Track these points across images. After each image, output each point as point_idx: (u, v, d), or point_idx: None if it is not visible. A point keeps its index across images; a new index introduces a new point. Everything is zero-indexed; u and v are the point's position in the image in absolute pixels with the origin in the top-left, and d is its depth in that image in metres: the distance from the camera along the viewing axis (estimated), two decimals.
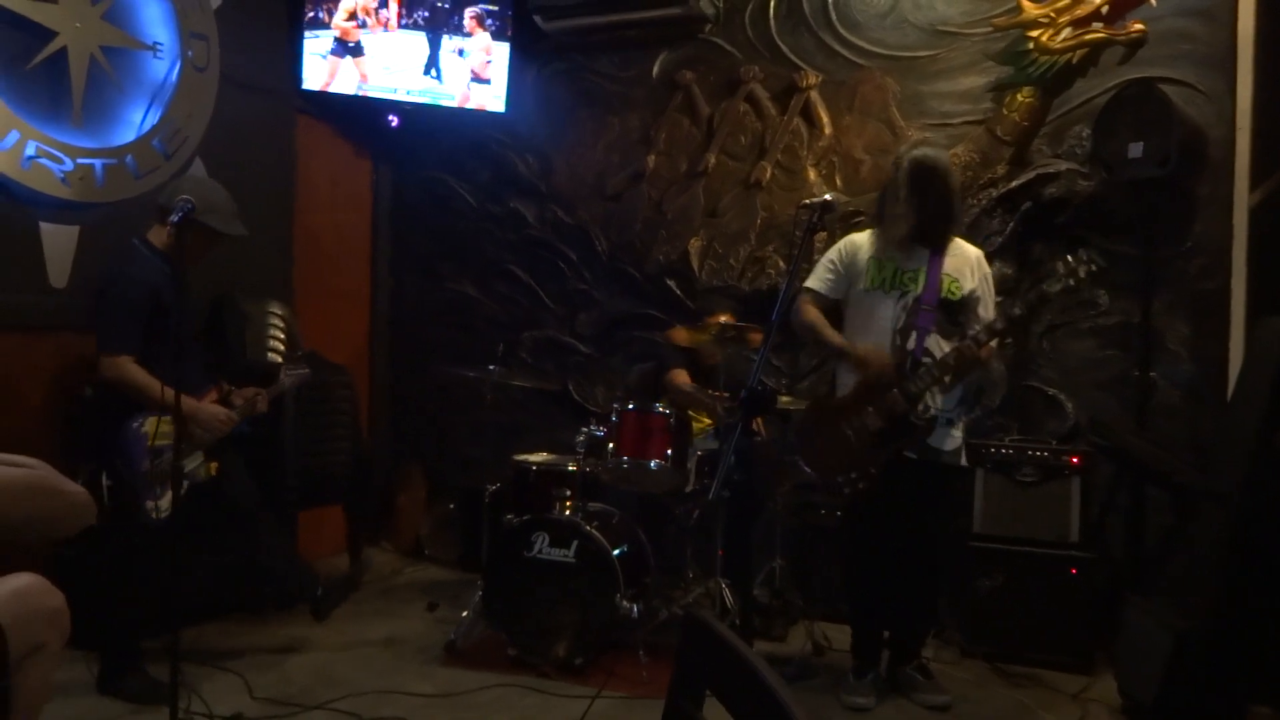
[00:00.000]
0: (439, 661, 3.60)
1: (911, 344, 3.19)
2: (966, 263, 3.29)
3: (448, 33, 4.87)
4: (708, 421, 4.09)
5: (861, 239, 3.38)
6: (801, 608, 4.00)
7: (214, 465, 3.31)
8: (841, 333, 3.35)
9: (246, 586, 3.99)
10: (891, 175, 3.29)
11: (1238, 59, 3.80)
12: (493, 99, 4.97)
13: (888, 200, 3.28)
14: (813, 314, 3.36)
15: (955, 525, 3.59)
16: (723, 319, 4.16)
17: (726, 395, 3.98)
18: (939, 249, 3.24)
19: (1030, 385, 4.15)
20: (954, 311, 3.25)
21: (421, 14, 4.83)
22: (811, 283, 3.39)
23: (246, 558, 3.58)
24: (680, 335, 4.14)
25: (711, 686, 1.17)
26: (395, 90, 4.88)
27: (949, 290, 3.22)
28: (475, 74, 4.92)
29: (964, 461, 3.42)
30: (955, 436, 3.29)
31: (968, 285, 3.26)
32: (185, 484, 3.12)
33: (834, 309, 3.42)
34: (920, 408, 3.15)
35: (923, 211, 3.17)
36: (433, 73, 4.89)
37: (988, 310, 3.29)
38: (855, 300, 3.34)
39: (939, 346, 3.19)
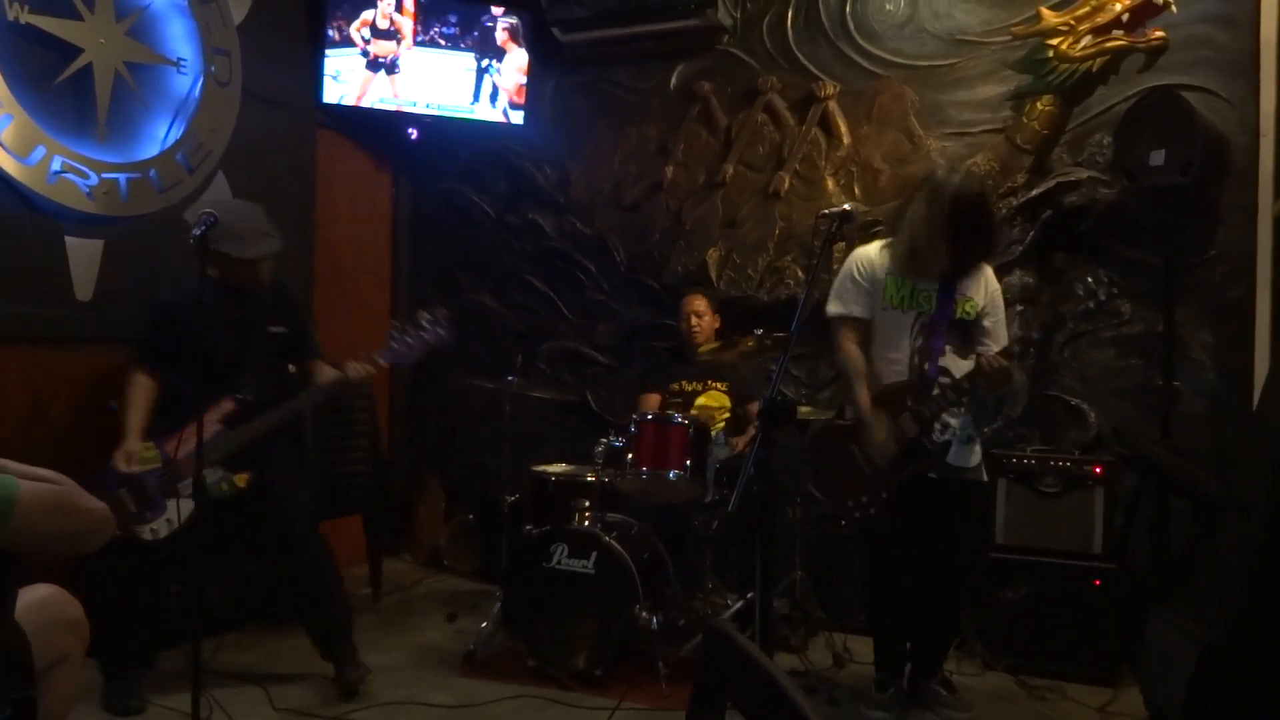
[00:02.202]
0: (458, 672, 3.60)
1: (929, 364, 3.12)
2: (979, 280, 3.21)
3: (481, 52, 4.91)
4: (719, 425, 4.11)
5: (873, 252, 3.25)
6: (822, 619, 3.98)
7: (243, 478, 3.19)
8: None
9: (268, 597, 4.03)
10: (925, 201, 3.11)
11: (1260, 65, 3.77)
12: (511, 111, 5.00)
13: (917, 225, 3.11)
14: (855, 358, 3.20)
15: (976, 539, 3.52)
16: (699, 304, 4.23)
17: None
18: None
19: (1052, 395, 4.12)
20: (967, 330, 3.18)
21: (446, 31, 4.86)
22: (848, 308, 3.22)
23: (286, 575, 3.44)
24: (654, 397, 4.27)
25: (733, 699, 1.17)
26: (415, 103, 4.92)
27: (964, 310, 3.15)
28: (505, 92, 4.96)
29: (985, 477, 3.34)
30: (976, 453, 3.24)
31: (980, 303, 3.19)
32: (191, 502, 3.09)
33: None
34: (934, 432, 3.08)
35: (962, 247, 3.06)
36: (477, 94, 4.92)
37: (997, 327, 3.23)
38: (876, 318, 3.22)
39: (954, 365, 3.13)
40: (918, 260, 3.11)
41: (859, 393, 3.16)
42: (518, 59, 4.94)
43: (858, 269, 3.23)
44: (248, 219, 3.30)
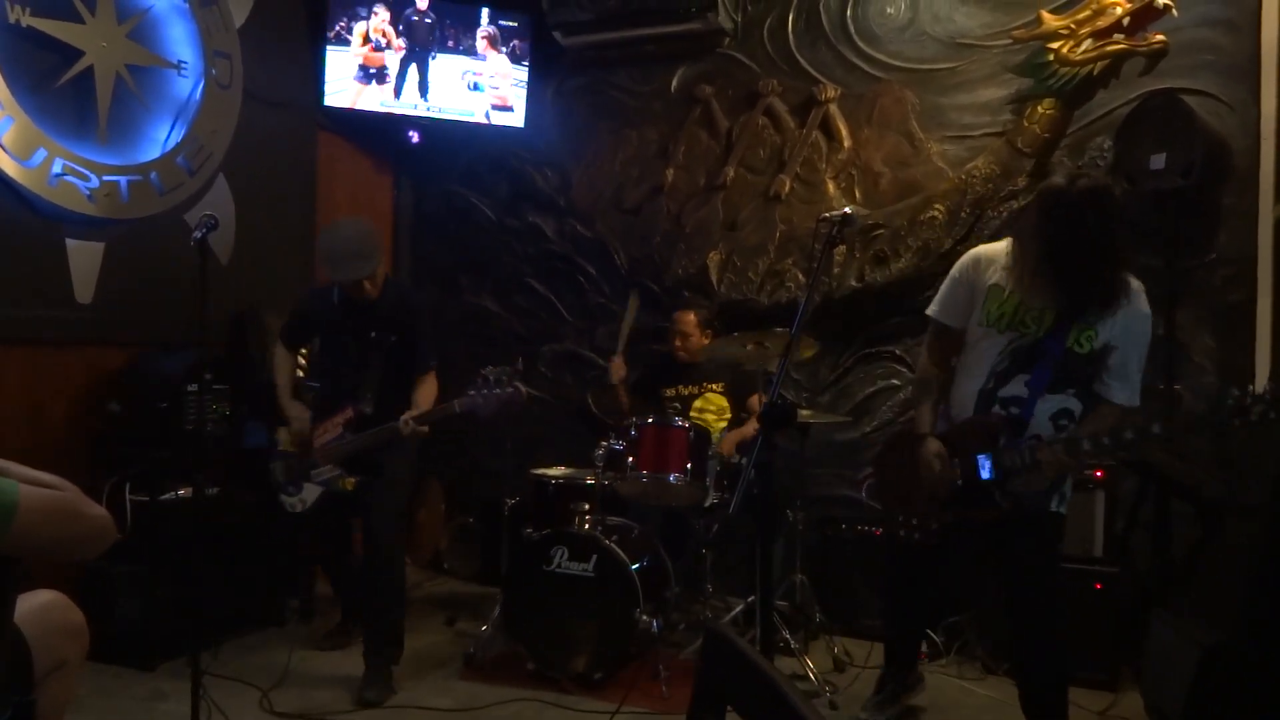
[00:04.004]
0: (458, 675, 3.60)
1: (1010, 392, 2.72)
2: (1112, 303, 2.62)
3: (441, 52, 4.91)
4: (718, 425, 4.10)
5: (986, 253, 2.83)
6: (822, 623, 3.98)
7: (350, 481, 3.46)
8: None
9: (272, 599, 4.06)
10: (1032, 206, 2.74)
11: (1261, 69, 3.77)
12: (511, 114, 5.01)
13: (1021, 237, 2.71)
14: (925, 372, 2.95)
15: (1048, 573, 2.87)
16: (688, 323, 4.21)
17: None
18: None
19: None
20: (1078, 365, 2.68)
21: (404, 32, 4.87)
22: (936, 310, 2.89)
23: (364, 581, 3.56)
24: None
25: (733, 703, 1.17)
26: (415, 106, 4.92)
27: (1077, 340, 2.65)
28: (497, 100, 5.00)
29: (1056, 506, 2.82)
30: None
31: (1104, 334, 2.64)
32: (318, 488, 3.52)
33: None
34: (1008, 485, 2.69)
35: (1065, 271, 2.55)
36: (421, 93, 4.92)
37: (1128, 367, 2.66)
38: (969, 332, 2.83)
39: (1045, 406, 2.71)
40: (1022, 280, 2.66)
41: (920, 410, 2.93)
42: (500, 63, 4.97)
43: (961, 269, 2.87)
44: (341, 241, 3.44)
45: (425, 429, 3.41)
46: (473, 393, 3.34)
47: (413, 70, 4.90)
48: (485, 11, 4.92)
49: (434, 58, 4.91)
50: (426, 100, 4.93)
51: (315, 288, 3.77)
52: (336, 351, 3.62)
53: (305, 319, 3.73)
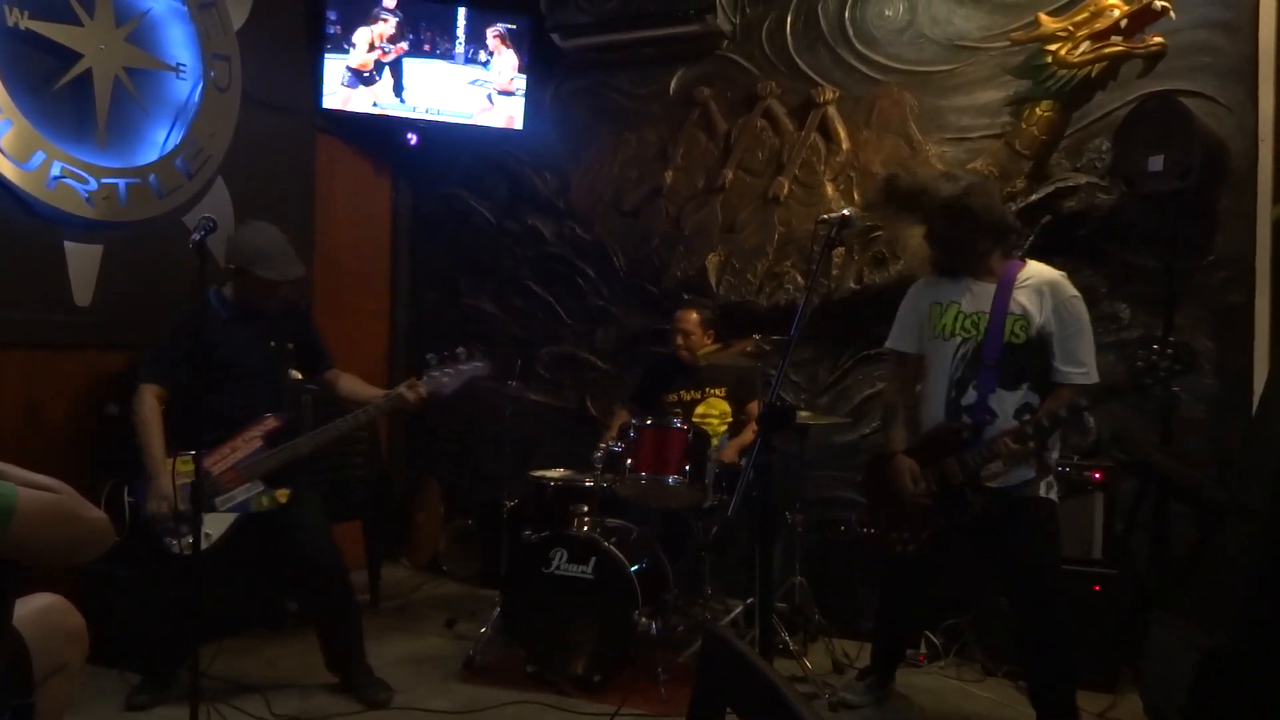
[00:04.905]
0: (457, 678, 3.60)
1: (970, 399, 2.94)
2: (1039, 291, 2.89)
3: (418, 56, 4.91)
4: (720, 431, 4.10)
5: (926, 280, 3.18)
6: (821, 624, 3.98)
7: (284, 493, 3.24)
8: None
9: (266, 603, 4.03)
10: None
11: (1259, 70, 3.78)
12: (510, 116, 5.01)
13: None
14: (888, 396, 3.23)
15: (1046, 560, 3.00)
16: (690, 322, 4.18)
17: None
18: (1005, 282, 2.92)
19: None
20: (1021, 356, 2.89)
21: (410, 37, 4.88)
22: (893, 340, 3.21)
23: (309, 593, 3.46)
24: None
25: (732, 705, 1.17)
26: (414, 109, 4.93)
27: (1013, 333, 2.88)
28: (501, 90, 5.01)
29: (1044, 493, 2.97)
30: (1027, 470, 2.94)
31: (1036, 320, 2.87)
32: (229, 516, 3.20)
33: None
34: (983, 478, 2.87)
35: (935, 240, 3.05)
36: (397, 94, 4.91)
37: (1068, 344, 2.86)
38: (926, 355, 3.10)
39: (1001, 402, 2.90)
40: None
41: (889, 435, 3.14)
42: (509, 60, 4.99)
43: (907, 299, 3.20)
44: (275, 242, 3.38)
45: (425, 394, 3.32)
46: (435, 373, 3.31)
47: (386, 72, 4.89)
48: (462, 12, 4.91)
49: (409, 58, 4.89)
50: (403, 101, 4.92)
51: (189, 309, 3.28)
52: (239, 365, 3.29)
53: (189, 343, 3.17)
